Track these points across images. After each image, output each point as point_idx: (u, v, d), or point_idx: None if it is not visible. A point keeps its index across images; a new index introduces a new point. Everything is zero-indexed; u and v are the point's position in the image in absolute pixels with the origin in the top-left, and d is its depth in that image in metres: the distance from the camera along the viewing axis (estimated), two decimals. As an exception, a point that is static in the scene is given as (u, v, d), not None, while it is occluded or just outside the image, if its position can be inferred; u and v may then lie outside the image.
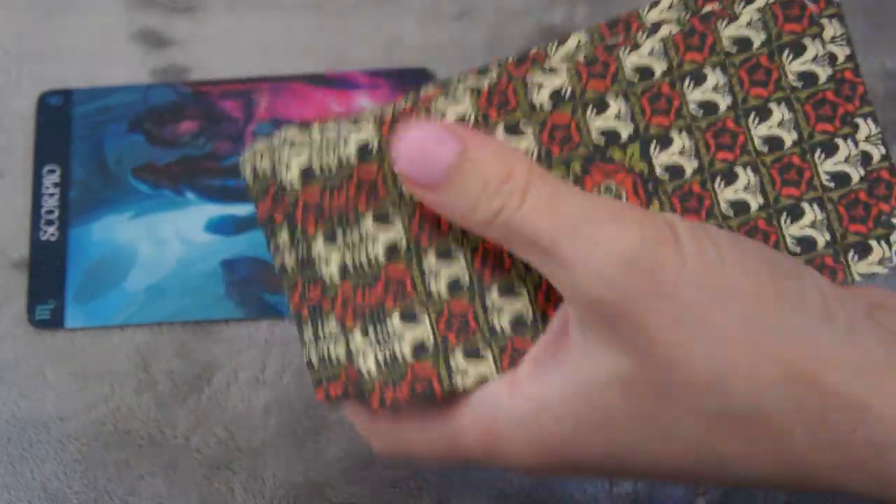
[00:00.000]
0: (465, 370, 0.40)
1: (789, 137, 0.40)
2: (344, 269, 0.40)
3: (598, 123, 0.39)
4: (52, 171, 0.56)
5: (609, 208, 0.37)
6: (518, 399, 0.39)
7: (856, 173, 0.40)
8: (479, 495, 0.49)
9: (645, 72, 0.39)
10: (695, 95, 0.40)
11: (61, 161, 0.57)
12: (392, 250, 0.39)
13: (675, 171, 0.40)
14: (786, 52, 0.40)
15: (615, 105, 0.39)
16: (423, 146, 0.37)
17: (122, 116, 0.58)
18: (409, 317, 0.40)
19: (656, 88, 0.39)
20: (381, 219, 0.39)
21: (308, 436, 0.50)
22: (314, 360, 0.40)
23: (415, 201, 0.39)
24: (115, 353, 0.52)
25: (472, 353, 0.40)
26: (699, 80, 0.39)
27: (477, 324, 0.40)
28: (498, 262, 0.40)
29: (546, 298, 0.40)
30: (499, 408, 0.39)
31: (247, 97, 0.58)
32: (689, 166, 0.40)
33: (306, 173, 0.39)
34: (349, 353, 0.40)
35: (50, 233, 0.55)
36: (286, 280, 0.40)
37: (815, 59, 0.40)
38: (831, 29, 0.40)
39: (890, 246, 0.40)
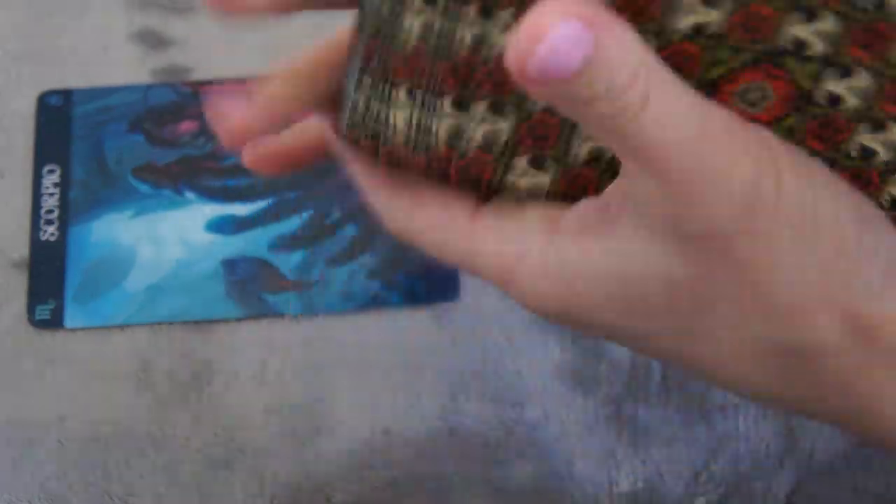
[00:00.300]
0: (523, 172, 0.38)
1: None
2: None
3: (797, 29, 0.36)
4: (52, 171, 0.56)
5: (725, 133, 0.35)
6: (552, 251, 0.38)
7: None
8: (479, 495, 0.49)
9: (886, 5, 0.36)
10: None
11: (61, 161, 0.57)
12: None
13: (833, 100, 0.38)
14: None
15: (826, 22, 0.36)
16: (550, 45, 0.33)
17: (122, 116, 0.58)
18: (497, 108, 0.38)
19: (876, 23, 0.36)
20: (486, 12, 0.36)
21: (308, 436, 0.50)
22: (360, 107, 0.38)
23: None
24: (114, 353, 0.52)
25: (537, 163, 0.38)
26: None
27: (557, 141, 0.38)
28: None
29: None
30: (529, 249, 0.38)
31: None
32: (851, 103, 0.37)
33: None
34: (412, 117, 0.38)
35: (50, 233, 0.55)
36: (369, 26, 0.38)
37: None
38: None
39: None
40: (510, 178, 0.39)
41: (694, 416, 0.51)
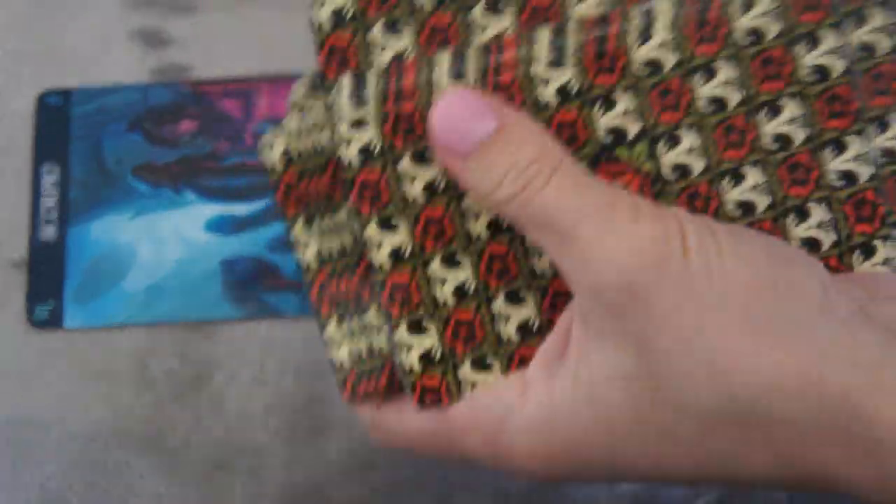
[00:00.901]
0: (473, 381, 0.40)
1: (801, 134, 0.39)
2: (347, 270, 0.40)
3: (605, 121, 0.39)
4: (51, 171, 0.56)
5: (628, 202, 0.37)
6: (528, 404, 0.39)
7: (865, 172, 0.40)
8: (479, 495, 0.49)
9: (655, 65, 0.38)
10: (705, 90, 0.39)
11: (60, 161, 0.57)
12: (396, 255, 0.39)
13: (682, 170, 0.39)
14: (801, 44, 0.39)
15: (623, 101, 0.39)
16: (460, 115, 0.37)
17: (122, 116, 0.58)
18: (416, 326, 0.40)
19: (666, 83, 0.39)
20: (385, 224, 0.39)
21: (308, 436, 0.50)
22: (344, 356, 0.40)
23: (415, 207, 0.39)
24: (114, 353, 0.52)
25: (481, 364, 0.40)
26: (710, 74, 0.39)
27: (484, 332, 0.40)
28: (504, 268, 0.40)
29: (552, 306, 0.40)
30: (507, 413, 0.39)
31: (247, 97, 0.58)
32: (698, 165, 0.39)
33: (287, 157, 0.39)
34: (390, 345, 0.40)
35: (49, 233, 0.55)
36: (307, 273, 0.40)
37: (830, 51, 0.39)
38: (874, 19, 0.39)
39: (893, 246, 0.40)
40: (466, 391, 0.40)
41: (694, 416, 0.51)
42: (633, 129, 0.39)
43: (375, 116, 0.38)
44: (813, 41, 0.39)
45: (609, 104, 0.39)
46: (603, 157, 0.39)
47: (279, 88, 0.58)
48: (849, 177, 0.40)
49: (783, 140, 0.39)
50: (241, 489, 0.49)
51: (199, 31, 0.60)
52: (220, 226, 0.55)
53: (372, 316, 0.40)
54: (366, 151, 0.39)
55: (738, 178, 0.39)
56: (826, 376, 0.36)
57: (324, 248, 0.40)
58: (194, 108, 0.58)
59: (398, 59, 0.39)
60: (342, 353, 0.40)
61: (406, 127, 0.38)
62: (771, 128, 0.39)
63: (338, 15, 0.39)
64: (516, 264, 0.40)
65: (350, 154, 0.39)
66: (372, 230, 0.39)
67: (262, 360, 0.52)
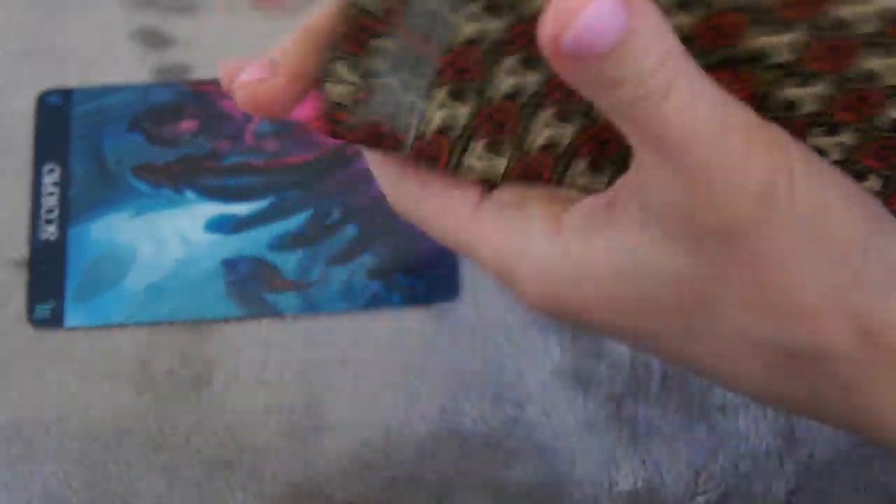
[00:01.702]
0: (479, 156, 0.39)
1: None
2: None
3: (764, 39, 0.37)
4: (51, 171, 0.56)
5: (743, 130, 0.35)
6: (556, 250, 0.38)
7: None
8: (479, 495, 0.49)
9: (847, 25, 0.36)
10: (873, 63, 0.37)
11: (61, 160, 0.57)
12: (472, 40, 0.37)
13: (791, 107, 0.38)
14: None
15: (790, 34, 0.37)
16: (585, 22, 0.33)
17: (122, 116, 0.58)
18: (456, 95, 0.38)
19: (841, 41, 0.36)
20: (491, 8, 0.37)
21: (308, 436, 0.50)
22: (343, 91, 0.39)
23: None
24: (114, 352, 0.52)
25: (493, 149, 0.39)
26: (890, 51, 0.36)
27: (513, 131, 0.39)
28: (567, 92, 0.38)
29: (593, 139, 0.39)
30: (530, 242, 0.38)
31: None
32: (807, 108, 0.38)
33: None
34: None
35: (49, 232, 0.55)
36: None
37: None
38: None
39: None
40: (467, 160, 0.39)
41: (694, 416, 0.51)
42: (780, 58, 0.37)
43: None
44: None
45: (781, 30, 0.37)
46: (738, 63, 0.37)
47: (279, 88, 0.58)
48: None
49: None
50: (241, 489, 0.49)
51: (200, 31, 0.60)
52: (221, 225, 0.55)
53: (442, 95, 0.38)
54: None
55: (833, 131, 0.38)
56: (888, 338, 0.36)
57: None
58: (195, 107, 0.58)
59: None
60: (341, 90, 0.38)
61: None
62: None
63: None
64: (580, 97, 0.38)
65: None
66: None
67: (262, 360, 0.52)
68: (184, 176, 0.56)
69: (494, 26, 0.37)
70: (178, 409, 0.51)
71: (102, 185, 0.56)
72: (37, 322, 0.53)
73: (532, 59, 0.38)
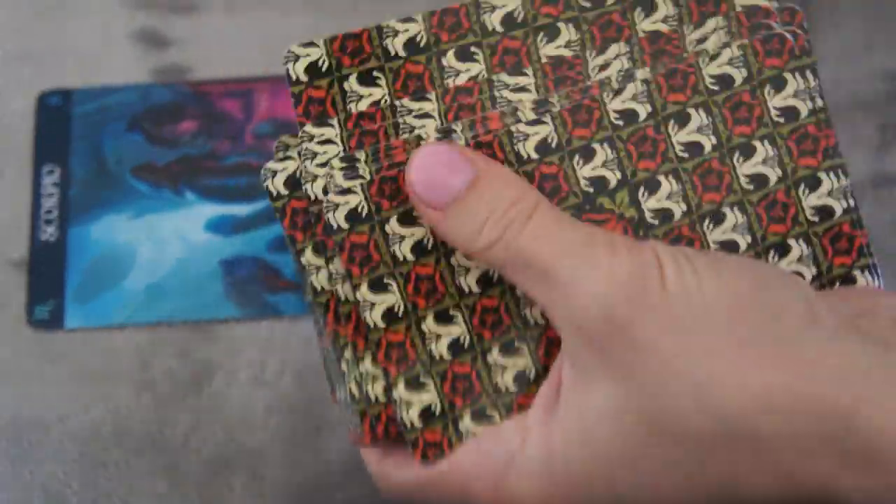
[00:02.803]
0: (474, 433, 0.40)
1: (774, 174, 0.40)
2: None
3: (585, 172, 0.40)
4: (51, 171, 0.56)
5: (605, 238, 0.38)
6: (526, 449, 0.39)
7: (839, 206, 0.41)
8: (480, 495, 0.49)
9: (630, 115, 0.40)
10: (680, 137, 0.40)
11: (61, 161, 0.57)
12: (390, 315, 0.40)
13: (664, 215, 0.40)
14: (767, 88, 0.40)
15: (602, 152, 0.40)
16: (435, 170, 0.38)
17: (122, 116, 0.58)
18: (413, 383, 0.40)
19: (642, 132, 0.40)
20: (377, 285, 0.39)
21: (308, 436, 0.50)
22: (354, 391, 0.41)
23: (405, 266, 0.39)
24: (114, 353, 0.52)
25: (481, 416, 0.40)
26: (683, 121, 0.40)
27: (481, 384, 0.40)
28: (497, 320, 0.40)
29: (547, 353, 0.40)
30: (510, 459, 0.39)
31: (247, 97, 0.58)
32: (678, 209, 0.40)
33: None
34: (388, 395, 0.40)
35: (49, 233, 0.55)
36: (320, 295, 0.40)
37: (795, 93, 0.40)
38: (794, 83, 0.40)
39: (873, 275, 0.41)
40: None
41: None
42: (613, 178, 0.40)
43: (363, 184, 0.39)
44: (778, 86, 0.40)
45: (588, 155, 0.40)
46: (587, 207, 0.40)
47: (279, 88, 0.58)
48: (824, 211, 0.41)
49: (759, 180, 0.40)
50: (241, 489, 0.49)
51: (200, 32, 0.60)
52: (220, 226, 0.55)
53: (368, 365, 0.40)
54: (354, 214, 0.39)
55: (718, 219, 0.40)
56: (815, 390, 0.36)
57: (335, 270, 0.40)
58: (194, 108, 0.58)
59: (376, 104, 0.40)
60: (413, 414, 0.40)
61: (391, 189, 0.39)
62: (746, 168, 0.40)
63: (314, 67, 0.40)
64: (509, 316, 0.40)
65: (338, 218, 0.39)
66: (364, 292, 0.39)
67: (262, 360, 0.52)
68: (184, 176, 0.56)
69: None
70: (178, 409, 0.51)
71: (102, 186, 0.56)
72: (37, 323, 0.53)
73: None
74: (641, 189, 0.40)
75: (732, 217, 0.40)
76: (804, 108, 0.40)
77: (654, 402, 0.36)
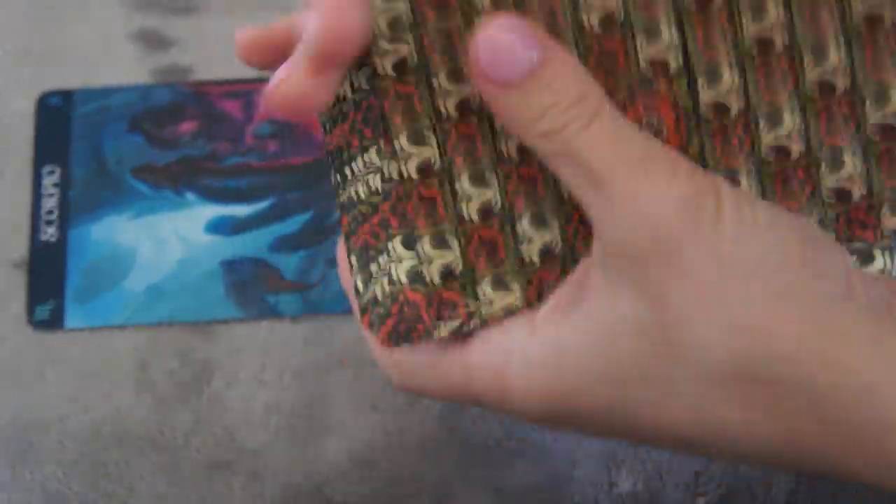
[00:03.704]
0: (491, 300, 0.40)
1: (843, 83, 0.38)
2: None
3: (648, 52, 0.38)
4: (51, 172, 0.56)
5: (666, 157, 0.37)
6: (534, 342, 0.39)
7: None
8: (479, 495, 0.49)
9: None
10: (753, 30, 0.38)
11: (61, 161, 0.57)
12: (425, 169, 0.39)
13: (720, 108, 0.39)
14: None
15: (667, 33, 0.38)
16: (508, 42, 0.36)
17: (122, 117, 0.58)
18: (439, 241, 0.39)
19: (713, 17, 0.38)
20: (416, 137, 0.39)
21: (308, 436, 0.50)
22: (378, 294, 0.40)
23: (449, 123, 0.39)
24: (114, 353, 0.52)
25: (500, 283, 0.40)
26: (759, 13, 0.38)
27: (506, 252, 0.40)
28: (531, 190, 0.39)
29: (575, 234, 0.40)
30: (513, 349, 0.39)
31: (247, 97, 0.58)
32: (736, 105, 0.39)
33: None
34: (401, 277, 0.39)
35: (49, 233, 0.55)
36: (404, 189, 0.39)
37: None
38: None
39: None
40: (484, 309, 0.40)
41: (694, 416, 0.51)
42: (674, 62, 0.38)
43: (413, 35, 0.38)
44: None
45: (653, 35, 0.38)
46: (642, 89, 0.39)
47: (279, 89, 0.58)
48: (886, 130, 0.39)
49: (826, 86, 0.38)
50: (241, 489, 0.49)
51: (200, 33, 0.60)
52: (221, 227, 0.55)
53: (426, 246, 0.39)
54: (401, 65, 0.38)
55: (775, 121, 0.39)
56: (845, 358, 0.36)
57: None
58: (194, 108, 0.58)
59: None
60: (434, 269, 0.40)
61: (444, 44, 0.38)
62: (815, 74, 0.38)
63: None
64: (545, 188, 0.39)
65: (385, 65, 0.38)
66: (403, 142, 0.38)
67: (262, 361, 0.52)
68: (184, 177, 0.56)
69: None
70: (177, 409, 0.51)
71: (102, 187, 0.56)
72: (37, 323, 0.53)
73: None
74: (702, 79, 0.38)
75: (791, 121, 0.39)
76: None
77: (682, 328, 0.36)
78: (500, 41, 0.36)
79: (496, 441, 0.50)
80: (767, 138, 0.39)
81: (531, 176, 0.39)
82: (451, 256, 0.39)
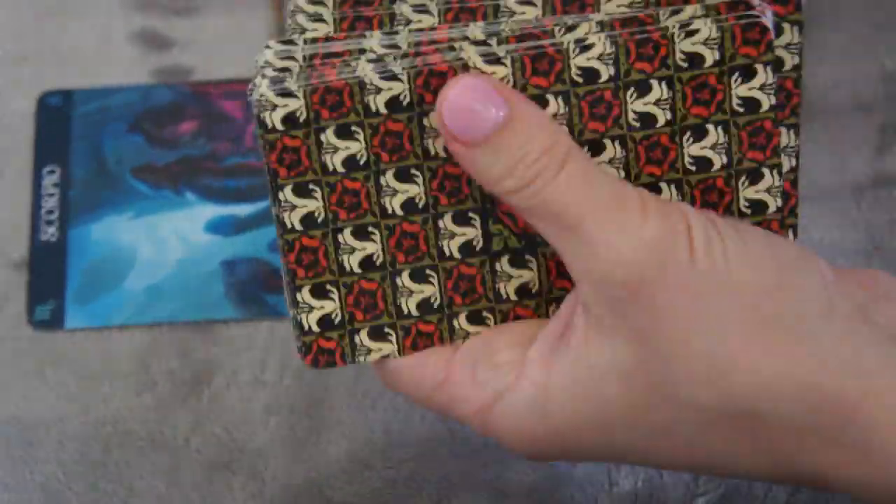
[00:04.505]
0: (466, 333, 0.40)
1: (719, 161, 0.40)
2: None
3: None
4: (52, 172, 0.56)
5: (636, 197, 0.37)
6: (523, 383, 0.39)
7: (773, 204, 0.40)
8: (479, 495, 0.49)
9: (591, 74, 0.38)
10: (636, 106, 0.39)
11: (61, 161, 0.57)
12: (410, 206, 0.39)
13: (644, 120, 0.39)
14: (735, 75, 0.39)
15: (554, 104, 0.39)
16: (471, 101, 0.37)
17: (122, 117, 0.58)
18: (419, 275, 0.40)
19: (599, 93, 0.39)
20: (403, 175, 0.39)
21: (308, 436, 0.50)
22: (313, 321, 0.41)
23: (436, 162, 0.39)
24: (114, 353, 0.52)
25: (476, 319, 0.41)
26: (644, 90, 0.39)
27: (484, 288, 0.40)
28: (511, 232, 0.40)
29: (558, 274, 0.40)
30: (502, 390, 0.39)
31: (247, 97, 0.58)
32: (617, 175, 0.40)
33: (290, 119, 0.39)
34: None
35: (50, 233, 0.55)
36: (286, 238, 0.40)
37: (762, 86, 0.39)
38: (789, 35, 0.40)
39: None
40: (459, 342, 0.41)
41: (694, 416, 0.51)
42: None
43: (304, 88, 0.38)
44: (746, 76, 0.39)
45: (541, 104, 0.39)
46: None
47: (279, 89, 0.58)
48: (758, 205, 0.40)
49: (703, 163, 0.40)
50: (241, 489, 0.49)
51: (200, 33, 0.60)
52: (221, 227, 0.55)
53: (405, 279, 0.40)
54: (292, 119, 0.38)
55: (701, 134, 0.40)
56: (825, 382, 0.36)
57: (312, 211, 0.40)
58: (194, 108, 0.58)
59: (351, 159, 0.39)
60: (312, 319, 0.41)
61: (334, 101, 0.38)
62: (693, 150, 0.40)
63: (291, 118, 0.39)
64: (523, 230, 0.40)
65: (274, 119, 0.38)
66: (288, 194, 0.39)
67: (262, 361, 0.52)
68: (184, 177, 0.56)
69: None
70: (177, 409, 0.51)
71: (103, 187, 0.56)
72: (37, 323, 0.53)
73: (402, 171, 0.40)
74: (585, 149, 0.39)
75: (667, 193, 0.40)
76: (766, 103, 0.39)
77: (666, 369, 0.36)
78: (464, 102, 0.37)
79: (496, 441, 0.50)
80: (691, 149, 0.40)
81: (512, 218, 0.40)
82: (430, 290, 0.40)
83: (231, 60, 0.59)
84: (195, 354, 0.52)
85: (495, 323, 0.41)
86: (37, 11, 0.60)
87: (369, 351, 0.41)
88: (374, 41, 0.39)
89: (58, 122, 0.58)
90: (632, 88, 0.39)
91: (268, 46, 0.39)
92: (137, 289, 0.54)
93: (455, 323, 0.41)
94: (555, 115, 0.39)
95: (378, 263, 0.40)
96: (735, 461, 0.38)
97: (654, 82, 0.39)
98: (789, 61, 0.40)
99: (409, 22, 0.39)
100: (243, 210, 0.55)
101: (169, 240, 0.55)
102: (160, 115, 0.58)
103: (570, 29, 0.39)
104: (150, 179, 0.56)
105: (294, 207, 0.39)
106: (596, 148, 0.39)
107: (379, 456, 0.50)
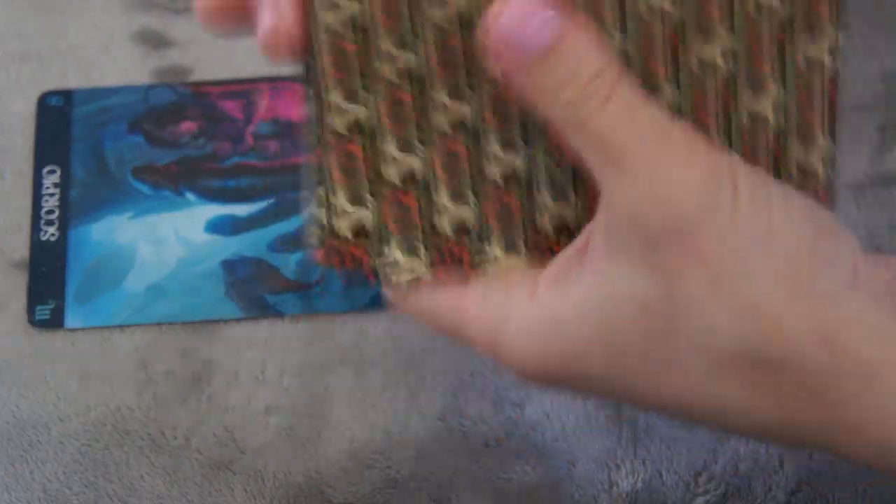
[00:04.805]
0: (498, 258, 0.40)
1: (773, 119, 0.39)
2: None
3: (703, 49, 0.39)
4: (52, 172, 0.56)
5: (684, 136, 0.37)
6: (533, 305, 0.39)
7: (821, 172, 0.40)
8: (479, 495, 0.49)
9: (658, 14, 0.38)
10: (699, 51, 0.38)
11: (61, 161, 0.57)
12: (459, 125, 0.39)
13: (704, 65, 0.39)
14: (803, 33, 0.38)
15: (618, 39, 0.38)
16: (522, 20, 0.36)
17: (122, 117, 0.58)
18: (458, 196, 0.40)
19: (663, 34, 0.38)
20: (454, 93, 0.39)
21: (308, 436, 0.50)
22: (344, 227, 0.40)
23: (489, 85, 0.38)
24: (114, 353, 0.52)
25: (510, 247, 0.40)
26: (709, 38, 0.38)
27: (522, 218, 0.40)
28: (556, 165, 0.40)
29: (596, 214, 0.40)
30: (511, 308, 0.39)
31: (247, 97, 0.58)
32: (723, 68, 0.39)
33: None
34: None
35: (50, 233, 0.55)
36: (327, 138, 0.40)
37: (829, 49, 0.38)
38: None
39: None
40: (488, 267, 0.41)
41: (694, 416, 0.51)
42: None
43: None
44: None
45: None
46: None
47: (279, 89, 0.58)
48: (806, 170, 0.40)
49: (759, 119, 0.39)
50: (241, 489, 0.49)
51: (200, 33, 0.60)
52: (221, 227, 0.55)
53: (443, 198, 0.40)
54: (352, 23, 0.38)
55: (758, 89, 0.39)
56: (848, 342, 0.36)
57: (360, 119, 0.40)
58: (195, 108, 0.58)
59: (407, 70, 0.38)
60: (343, 224, 0.40)
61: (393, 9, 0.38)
62: (750, 104, 0.39)
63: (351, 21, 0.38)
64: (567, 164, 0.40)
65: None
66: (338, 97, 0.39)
67: (263, 360, 0.52)
68: (184, 177, 0.56)
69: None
70: (178, 409, 0.51)
71: (103, 187, 0.56)
72: (37, 323, 0.53)
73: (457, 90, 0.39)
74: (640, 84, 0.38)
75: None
76: (829, 66, 0.38)
77: (691, 308, 0.36)
78: (514, 18, 0.36)
79: (496, 441, 0.50)
80: (747, 104, 0.39)
81: (558, 146, 0.39)
82: (468, 213, 0.40)
83: (231, 60, 0.59)
84: (195, 354, 0.52)
85: (528, 254, 0.40)
86: (36, 11, 0.61)
87: (398, 264, 0.40)
88: None
89: (58, 122, 0.58)
90: (698, 34, 0.38)
91: None
92: (137, 289, 0.54)
93: (487, 248, 0.40)
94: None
95: (419, 178, 0.40)
96: (743, 411, 0.37)
97: (722, 30, 0.38)
98: (828, 63, 0.39)
99: None
100: (243, 210, 0.56)
101: (169, 240, 0.55)
102: (160, 115, 0.58)
103: None
104: (150, 179, 0.56)
105: (342, 111, 0.39)
106: (651, 87, 0.38)
107: (379, 456, 0.50)
